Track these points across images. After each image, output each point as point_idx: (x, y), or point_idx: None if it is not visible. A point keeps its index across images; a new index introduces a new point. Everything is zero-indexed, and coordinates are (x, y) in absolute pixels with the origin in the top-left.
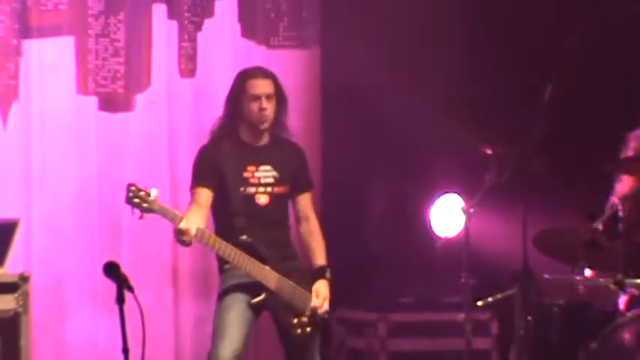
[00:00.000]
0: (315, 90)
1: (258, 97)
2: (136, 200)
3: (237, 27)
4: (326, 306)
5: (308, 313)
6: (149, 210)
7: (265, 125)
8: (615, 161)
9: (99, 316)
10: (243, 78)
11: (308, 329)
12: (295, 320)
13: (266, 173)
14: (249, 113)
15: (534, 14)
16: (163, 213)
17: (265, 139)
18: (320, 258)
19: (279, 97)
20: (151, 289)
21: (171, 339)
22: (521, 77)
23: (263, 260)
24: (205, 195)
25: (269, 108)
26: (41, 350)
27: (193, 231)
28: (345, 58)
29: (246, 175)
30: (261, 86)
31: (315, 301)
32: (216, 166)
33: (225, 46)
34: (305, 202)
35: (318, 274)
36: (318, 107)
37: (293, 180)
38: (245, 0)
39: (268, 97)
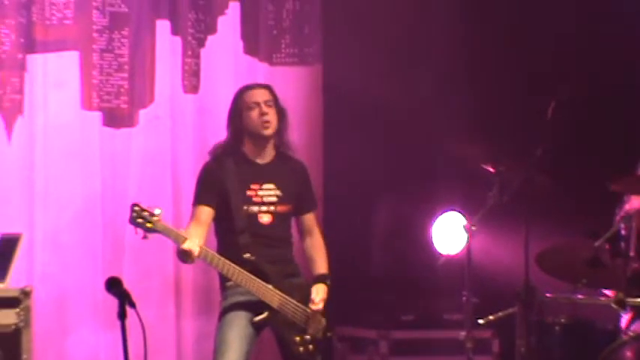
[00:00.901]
0: (318, 106)
1: (257, 104)
2: (140, 220)
3: (240, 44)
4: (321, 306)
5: (310, 330)
6: (152, 230)
7: (269, 131)
8: (624, 181)
9: (101, 331)
10: (240, 92)
11: (310, 347)
12: (298, 338)
13: (269, 192)
14: (250, 122)
15: (538, 30)
16: (167, 233)
17: (269, 157)
18: (322, 268)
19: (278, 108)
20: (153, 305)
21: (173, 354)
22: (524, 94)
23: (266, 278)
24: (206, 213)
25: (270, 113)
26: None
27: (196, 252)
28: (347, 75)
29: (249, 193)
30: (259, 94)
31: (312, 296)
32: (219, 184)
33: (227, 63)
34: (310, 220)
35: (319, 279)
36: (320, 123)
37: (296, 199)
38: (247, 17)
39: (267, 103)
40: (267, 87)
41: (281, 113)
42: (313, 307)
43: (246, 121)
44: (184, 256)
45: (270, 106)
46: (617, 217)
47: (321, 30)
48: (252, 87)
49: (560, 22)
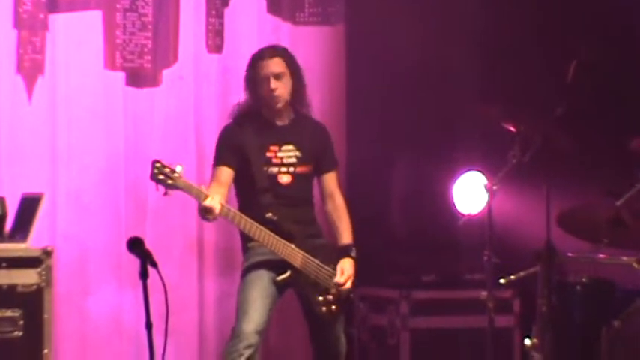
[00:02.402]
0: (340, 66)
1: (266, 78)
2: (161, 177)
3: (263, 3)
4: (349, 284)
5: (333, 290)
6: (173, 187)
7: (279, 105)
8: None
9: (122, 290)
10: (253, 60)
11: (333, 307)
12: (321, 298)
13: (288, 153)
14: (262, 94)
15: None
16: (188, 190)
17: (288, 118)
18: (346, 236)
19: (293, 72)
20: (175, 264)
21: (195, 314)
22: (545, 54)
23: (288, 238)
24: (226, 173)
25: (279, 87)
26: (64, 324)
27: (218, 208)
28: (370, 35)
29: (268, 155)
30: (267, 66)
31: (338, 278)
32: (238, 146)
33: (251, 23)
34: (330, 180)
35: (344, 251)
36: (343, 84)
37: (316, 159)
38: None
39: (276, 76)
40: (279, 54)
41: (296, 77)
42: (342, 287)
43: (259, 91)
44: (206, 213)
45: (279, 78)
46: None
47: None
48: (262, 56)
49: None
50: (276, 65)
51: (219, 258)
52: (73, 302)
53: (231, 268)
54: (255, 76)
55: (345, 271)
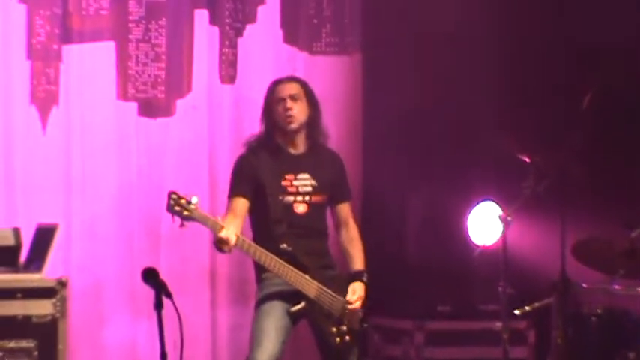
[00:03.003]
0: (357, 96)
1: (282, 99)
2: (177, 208)
3: (280, 33)
4: (358, 304)
5: (347, 321)
6: (190, 218)
7: (293, 126)
8: None
9: (137, 321)
10: (271, 86)
11: (347, 338)
12: (334, 329)
13: (304, 182)
14: (277, 117)
15: (578, 14)
16: (204, 221)
17: (303, 147)
18: (358, 263)
19: (309, 100)
20: (188, 294)
21: (208, 345)
22: (561, 85)
23: (303, 269)
24: (242, 204)
25: (294, 108)
26: (79, 355)
27: (233, 240)
28: (387, 65)
29: (284, 183)
30: (285, 88)
31: (349, 297)
32: (254, 175)
33: (266, 52)
34: (344, 210)
35: (356, 276)
36: (360, 113)
37: (331, 189)
38: (288, 5)
39: (292, 97)
40: (296, 80)
41: (312, 105)
42: (350, 307)
43: (275, 114)
44: (221, 244)
45: (295, 100)
46: None
47: (362, 19)
48: (280, 81)
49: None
50: (292, 88)
51: (232, 289)
52: (88, 333)
53: (244, 299)
54: (271, 100)
55: (355, 291)
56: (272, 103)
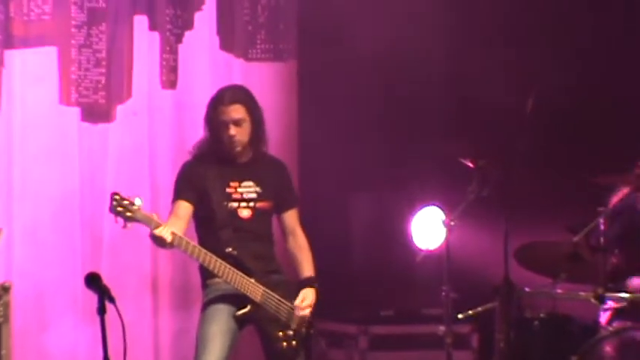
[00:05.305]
0: (293, 102)
1: (225, 124)
2: (120, 209)
3: (216, 39)
4: (307, 311)
5: (293, 326)
6: (132, 219)
7: (237, 149)
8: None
9: (80, 326)
10: (213, 103)
11: (293, 343)
12: (280, 333)
13: (249, 189)
14: (221, 136)
15: (525, 23)
16: (147, 222)
17: (247, 156)
18: (308, 269)
19: (253, 117)
20: (130, 300)
21: (151, 350)
22: (504, 89)
23: (248, 273)
24: (185, 208)
25: (238, 134)
26: None
27: (169, 238)
28: (323, 71)
29: (229, 190)
30: (227, 113)
31: (298, 302)
32: (198, 181)
33: (204, 59)
34: (291, 217)
35: (307, 282)
36: (295, 119)
37: (276, 196)
38: (223, 12)
39: (236, 122)
40: (239, 100)
41: (256, 121)
42: (299, 312)
43: (218, 133)
44: (157, 241)
45: (239, 125)
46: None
47: (297, 26)
48: (223, 101)
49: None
50: (235, 112)
51: (174, 294)
52: (30, 338)
53: (187, 304)
54: (214, 119)
55: (306, 298)
56: (215, 121)
